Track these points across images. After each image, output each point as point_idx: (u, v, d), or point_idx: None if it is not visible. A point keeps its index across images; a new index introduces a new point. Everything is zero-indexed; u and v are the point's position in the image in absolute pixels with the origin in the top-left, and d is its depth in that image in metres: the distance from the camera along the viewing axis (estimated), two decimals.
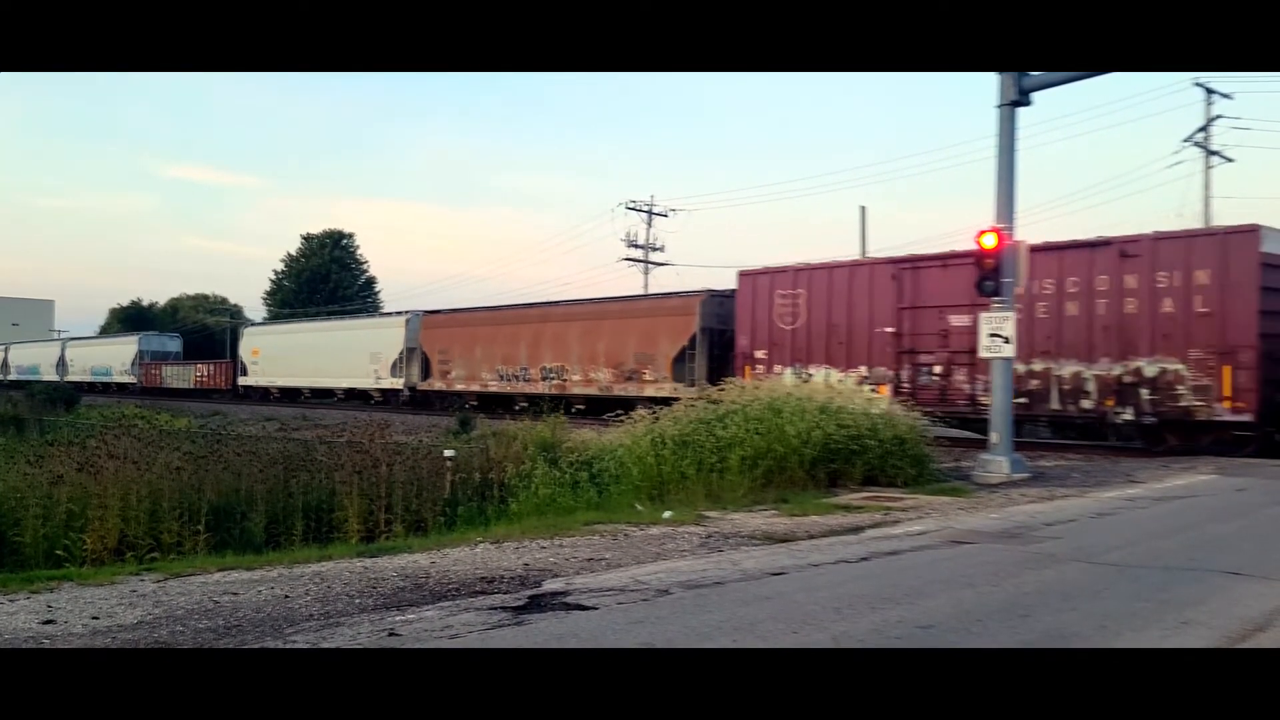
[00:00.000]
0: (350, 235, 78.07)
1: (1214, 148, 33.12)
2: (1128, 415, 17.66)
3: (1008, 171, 14.74)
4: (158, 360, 52.88)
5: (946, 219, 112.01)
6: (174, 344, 57.33)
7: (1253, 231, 17.25)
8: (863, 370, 22.06)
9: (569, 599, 6.22)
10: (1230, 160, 33.55)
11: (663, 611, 5.92)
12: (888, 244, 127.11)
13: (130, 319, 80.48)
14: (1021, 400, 18.34)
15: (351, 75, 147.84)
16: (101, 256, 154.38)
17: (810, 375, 21.75)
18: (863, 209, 42.40)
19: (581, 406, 27.50)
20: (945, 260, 21.28)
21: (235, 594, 6.40)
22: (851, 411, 13.98)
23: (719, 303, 26.04)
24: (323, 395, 39.03)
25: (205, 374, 47.82)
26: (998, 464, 14.44)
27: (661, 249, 48.07)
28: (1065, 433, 19.53)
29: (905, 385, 20.99)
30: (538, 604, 6.10)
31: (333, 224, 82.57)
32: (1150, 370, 18.13)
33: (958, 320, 20.35)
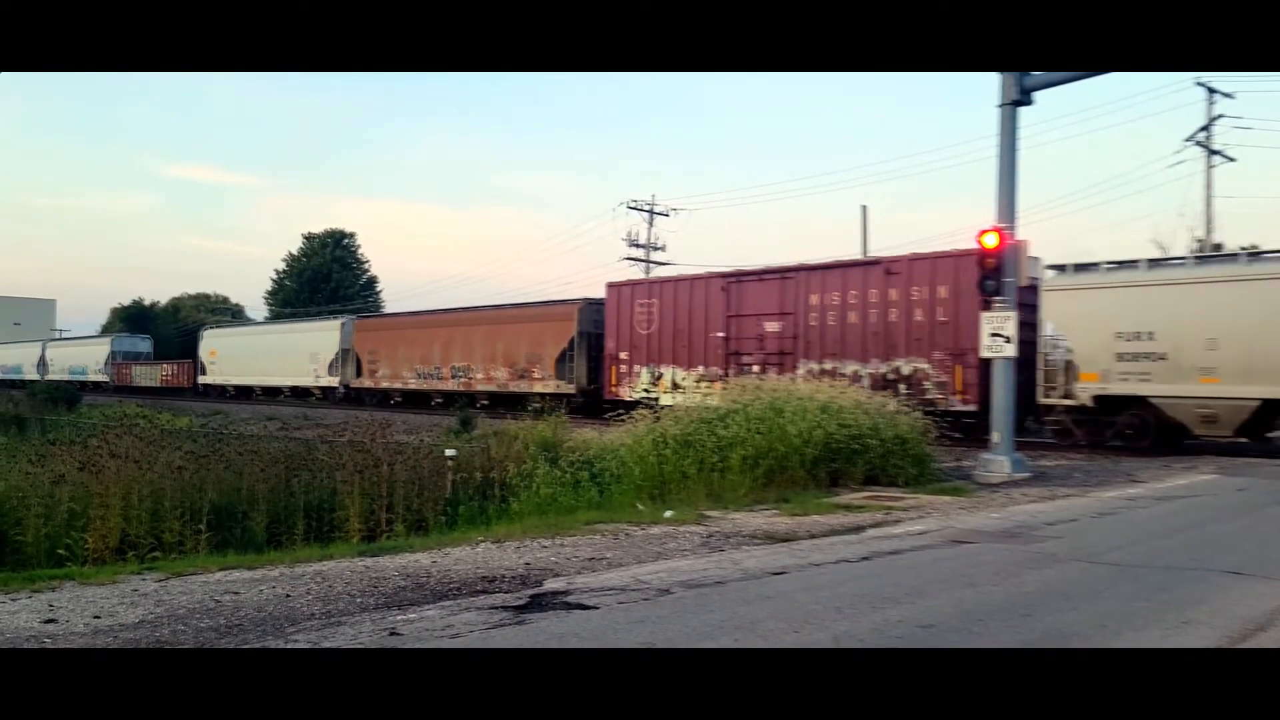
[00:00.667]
0: (351, 235, 78.12)
1: (1216, 147, 33.10)
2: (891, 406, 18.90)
3: (1009, 171, 14.74)
4: (128, 360, 55.48)
5: (948, 218, 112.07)
6: (144, 345, 59.83)
7: (971, 255, 18.51)
8: (700, 369, 25.35)
9: (570, 598, 6.23)
10: (1232, 160, 33.55)
11: (664, 611, 5.92)
12: (889, 243, 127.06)
13: (132, 318, 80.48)
14: None
15: (352, 75, 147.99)
16: (103, 256, 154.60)
17: (661, 374, 25.98)
18: (864, 208, 42.55)
19: (485, 402, 31.26)
20: (761, 275, 24.47)
21: (237, 593, 6.40)
22: (853, 411, 13.99)
23: (595, 310, 28.87)
24: (272, 392, 41.93)
25: (169, 373, 50.97)
26: (999, 464, 14.44)
27: (663, 248, 48.10)
28: None
29: (732, 380, 22.73)
30: (539, 603, 6.10)
31: (334, 224, 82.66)
32: (906, 369, 21.26)
33: (771, 326, 23.77)
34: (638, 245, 47.62)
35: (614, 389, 27.24)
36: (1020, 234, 14.74)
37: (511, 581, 6.84)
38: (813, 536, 9.02)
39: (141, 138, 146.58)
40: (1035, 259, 19.70)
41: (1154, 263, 19.12)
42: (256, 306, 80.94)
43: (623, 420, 15.51)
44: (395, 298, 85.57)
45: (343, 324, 39.64)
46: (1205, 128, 32.95)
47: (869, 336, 22.03)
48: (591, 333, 28.89)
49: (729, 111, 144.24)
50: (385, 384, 36.36)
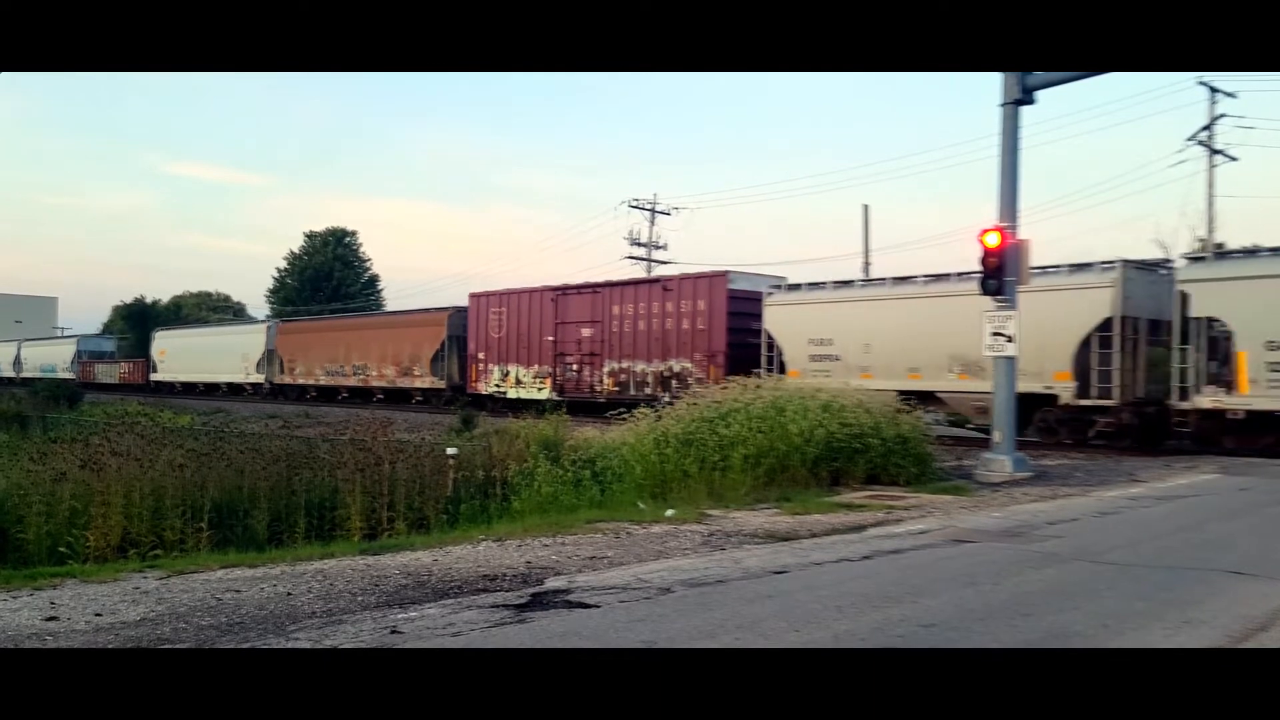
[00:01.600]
0: (353, 233, 78.09)
1: (1218, 146, 33.04)
2: (666, 398, 22.85)
3: (1011, 170, 14.73)
4: (93, 359, 59.81)
5: (951, 217, 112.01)
6: (108, 345, 64.79)
7: (725, 275, 25.81)
8: (536, 367, 30.29)
9: (571, 597, 6.23)
10: (1234, 159, 33.46)
11: (665, 610, 5.92)
12: (891, 242, 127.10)
13: (133, 316, 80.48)
14: (616, 389, 27.67)
15: (355, 74, 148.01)
16: (105, 254, 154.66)
17: (509, 371, 31.03)
18: (865, 207, 42.47)
19: (380, 396, 36.70)
20: (579, 289, 29.77)
21: (238, 591, 6.41)
22: (854, 410, 13.98)
23: (462, 316, 33.67)
24: (212, 388, 46.52)
25: (126, 371, 55.23)
26: (1000, 463, 14.43)
27: (664, 247, 48.14)
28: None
29: (558, 378, 29.41)
30: (540, 602, 6.10)
31: (336, 222, 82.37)
32: (676, 367, 26.34)
33: (586, 332, 28.75)
34: (639, 244, 47.65)
35: (474, 384, 32.28)
36: (1022, 233, 14.72)
37: (513, 580, 6.84)
38: (814, 535, 9.02)
39: (143, 135, 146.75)
40: (759, 276, 26.33)
41: (837, 284, 24.05)
42: (258, 305, 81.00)
43: (623, 419, 15.51)
44: (397, 296, 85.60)
45: (268, 328, 44.70)
46: (1207, 127, 32.91)
47: (652, 341, 26.99)
48: (459, 336, 33.66)
49: (731, 111, 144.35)
50: (301, 380, 41.08)
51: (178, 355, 50.16)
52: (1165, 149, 74.84)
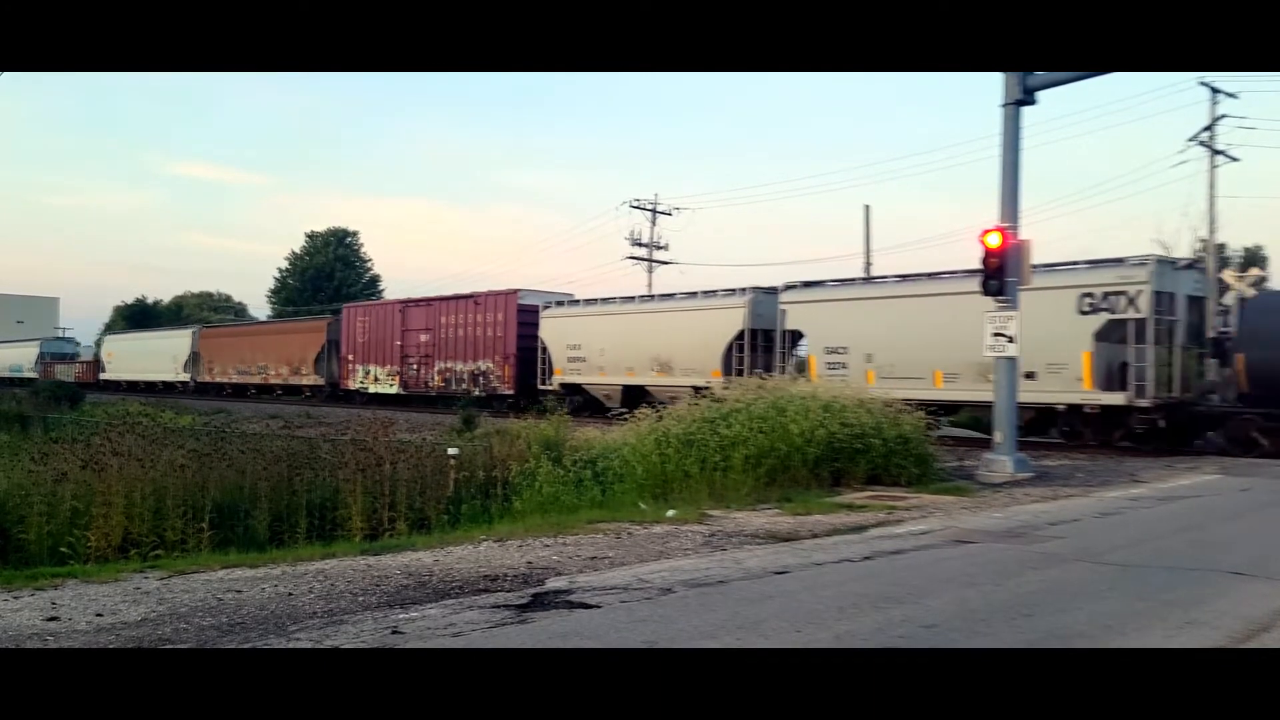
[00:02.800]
0: (354, 233, 78.13)
1: (1219, 147, 32.97)
2: (477, 392, 32.57)
3: (1012, 170, 14.72)
4: (54, 360, 64.36)
5: (952, 217, 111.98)
6: (70, 347, 69.01)
7: (515, 292, 32.62)
8: (389, 367, 37.03)
9: (572, 597, 6.23)
10: (1235, 160, 33.37)
11: (666, 610, 5.92)
12: (892, 242, 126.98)
13: (134, 316, 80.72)
14: (443, 384, 34.45)
15: (356, 75, 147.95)
16: (106, 254, 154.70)
17: (370, 370, 37.79)
18: (867, 208, 42.39)
19: (280, 391, 42.65)
20: (418, 302, 36.80)
21: (239, 591, 6.40)
22: (855, 410, 13.98)
23: (338, 324, 40.36)
24: (151, 386, 50.96)
25: (80, 370, 60.26)
26: (1001, 463, 14.42)
27: (665, 247, 48.16)
28: (473, 404, 31.07)
29: (404, 376, 36.27)
30: (541, 602, 6.10)
31: (337, 221, 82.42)
32: (483, 367, 33.10)
33: (424, 337, 35.44)
34: (640, 244, 47.63)
35: (345, 381, 39.04)
36: (1023, 233, 14.71)
37: (514, 580, 6.84)
38: (815, 536, 9.02)
39: (145, 135, 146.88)
40: (546, 292, 32.97)
41: (588, 301, 30.81)
42: (260, 305, 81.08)
43: (625, 419, 15.49)
44: (398, 295, 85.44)
45: (192, 333, 51.20)
46: (1209, 128, 32.84)
47: (467, 345, 33.69)
48: (336, 340, 40.10)
49: (733, 112, 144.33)
50: (219, 378, 47.19)
51: (121, 357, 56.22)
52: (1167, 149, 74.75)
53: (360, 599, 6.22)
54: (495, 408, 30.04)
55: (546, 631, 5.40)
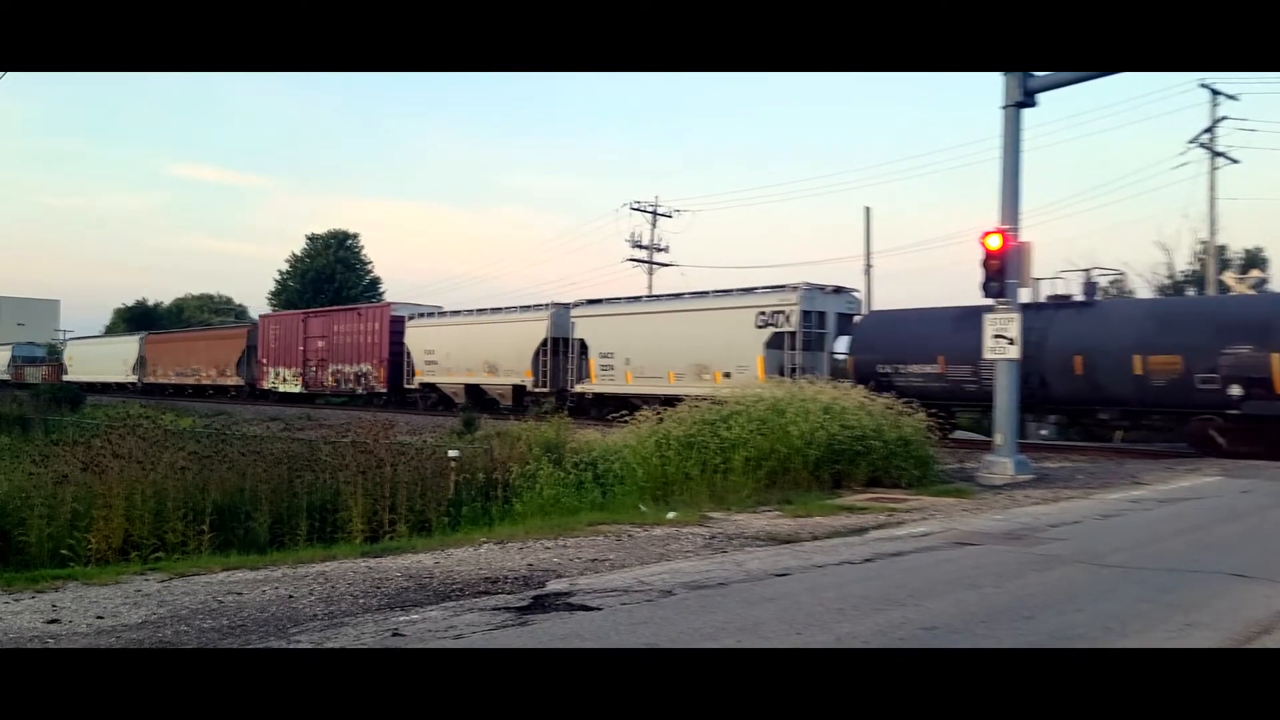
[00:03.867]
0: (355, 235, 78.02)
1: (1219, 149, 32.97)
2: (359, 390, 38.89)
3: (1013, 172, 14.73)
4: (25, 363, 68.78)
5: (953, 219, 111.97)
6: (39, 351, 73.41)
7: (388, 305, 40.02)
8: (294, 369, 42.40)
9: (573, 600, 6.22)
10: (1236, 161, 33.34)
11: (667, 612, 5.92)
12: (892, 244, 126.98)
13: (135, 318, 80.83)
14: (334, 384, 40.29)
15: (358, 76, 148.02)
16: (107, 256, 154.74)
17: (279, 372, 43.29)
18: (867, 210, 42.28)
19: (211, 391, 48.92)
20: (316, 313, 43.73)
21: (240, 594, 6.40)
22: (855, 412, 13.98)
23: (256, 331, 46.36)
24: (105, 386, 55.91)
25: (47, 373, 64.77)
26: (1002, 465, 14.42)
27: (665, 249, 48.16)
28: (353, 400, 39.59)
29: (305, 377, 41.71)
30: (542, 604, 6.10)
31: (339, 223, 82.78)
32: (364, 369, 38.66)
33: (320, 343, 41.00)
34: (641, 246, 47.62)
35: (260, 382, 44.62)
36: (1024, 236, 14.71)
37: (514, 582, 6.83)
38: (815, 538, 9.01)
39: (147, 137, 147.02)
40: (414, 305, 40.13)
41: (440, 314, 37.60)
42: (260, 307, 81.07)
43: (626, 422, 15.50)
44: (398, 298, 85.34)
45: (140, 339, 57.36)
46: (1209, 129, 32.84)
47: (353, 350, 39.37)
48: (254, 346, 45.66)
49: (733, 114, 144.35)
50: (161, 380, 52.78)
51: (80, 360, 63.01)
52: (1167, 151, 74.72)
53: (361, 601, 6.22)
54: (374, 403, 36.93)
55: (547, 634, 5.40)
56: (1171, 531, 9.66)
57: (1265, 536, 9.72)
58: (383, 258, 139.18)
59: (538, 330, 31.58)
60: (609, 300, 31.40)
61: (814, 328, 24.69)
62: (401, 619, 5.69)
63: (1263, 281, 30.55)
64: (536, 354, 31.33)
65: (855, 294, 27.20)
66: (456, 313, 37.07)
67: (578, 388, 29.96)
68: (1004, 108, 14.78)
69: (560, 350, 30.90)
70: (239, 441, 16.93)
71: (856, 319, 25.43)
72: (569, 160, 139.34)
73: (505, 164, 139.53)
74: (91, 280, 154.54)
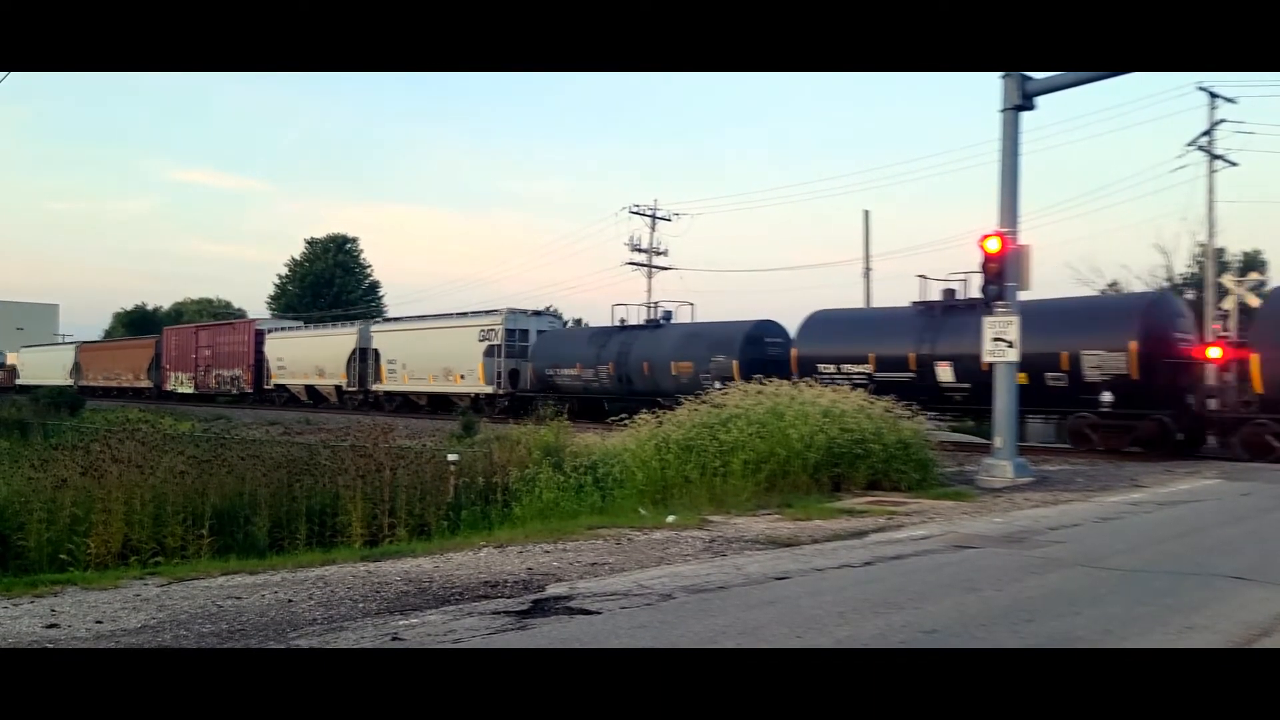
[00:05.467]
0: (354, 240, 78.29)
1: (1218, 152, 32.99)
2: (234, 390, 47.08)
3: (1011, 175, 14.75)
4: None
5: (953, 222, 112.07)
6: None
7: (254, 321, 49.95)
8: (189, 374, 50.43)
9: (572, 603, 6.22)
10: (1234, 164, 33.38)
11: (666, 616, 5.92)
12: (893, 247, 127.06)
13: (134, 323, 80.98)
14: (216, 385, 48.26)
15: (357, 80, 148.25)
16: (107, 260, 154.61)
17: (180, 377, 51.16)
18: (866, 213, 42.45)
19: (131, 392, 54.93)
20: (206, 326, 53.20)
21: (239, 598, 6.40)
22: (855, 415, 13.98)
23: (161, 342, 54.68)
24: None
25: (3, 378, 71.38)
26: (1002, 468, 14.42)
27: (665, 253, 48.18)
28: (229, 398, 47.86)
29: (196, 380, 49.51)
30: (541, 608, 6.10)
31: (337, 228, 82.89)
32: (237, 373, 47.15)
33: (208, 352, 49.43)
34: (640, 250, 47.64)
35: (165, 385, 52.26)
36: (1023, 238, 14.73)
37: (514, 586, 6.83)
38: (815, 541, 9.02)
39: (146, 142, 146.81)
40: (274, 320, 54.57)
41: (285, 328, 46.98)
42: (260, 311, 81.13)
43: (625, 425, 15.50)
44: (398, 301, 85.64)
45: (75, 347, 66.02)
46: (1207, 132, 32.87)
47: (230, 358, 47.90)
48: (161, 354, 53.95)
49: (733, 116, 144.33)
50: (92, 383, 59.22)
51: (27, 366, 69.97)
52: (1166, 154, 74.74)
53: (360, 606, 6.22)
54: (244, 402, 45.48)
55: (547, 637, 5.40)
56: (1171, 534, 9.66)
57: (1264, 539, 9.72)
58: (382, 261, 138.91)
59: (349, 342, 40.78)
60: (394, 319, 45.10)
61: (517, 341, 34.33)
62: (401, 623, 5.69)
63: (1261, 284, 30.53)
64: (349, 360, 40.48)
65: (554, 315, 39.01)
66: (298, 328, 49.26)
67: (374, 386, 39.47)
68: (1002, 111, 14.81)
69: (365, 358, 39.86)
70: (238, 446, 16.93)
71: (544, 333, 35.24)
72: (569, 163, 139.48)
73: (505, 167, 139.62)
74: (91, 284, 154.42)
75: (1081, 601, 6.34)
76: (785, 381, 15.77)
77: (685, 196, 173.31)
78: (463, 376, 34.97)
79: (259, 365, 45.91)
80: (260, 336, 46.54)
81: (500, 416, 30.74)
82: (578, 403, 29.75)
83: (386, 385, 38.65)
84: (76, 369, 61.69)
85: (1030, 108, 14.76)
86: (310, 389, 43.18)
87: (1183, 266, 39.50)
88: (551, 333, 35.31)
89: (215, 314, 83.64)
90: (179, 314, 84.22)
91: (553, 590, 6.68)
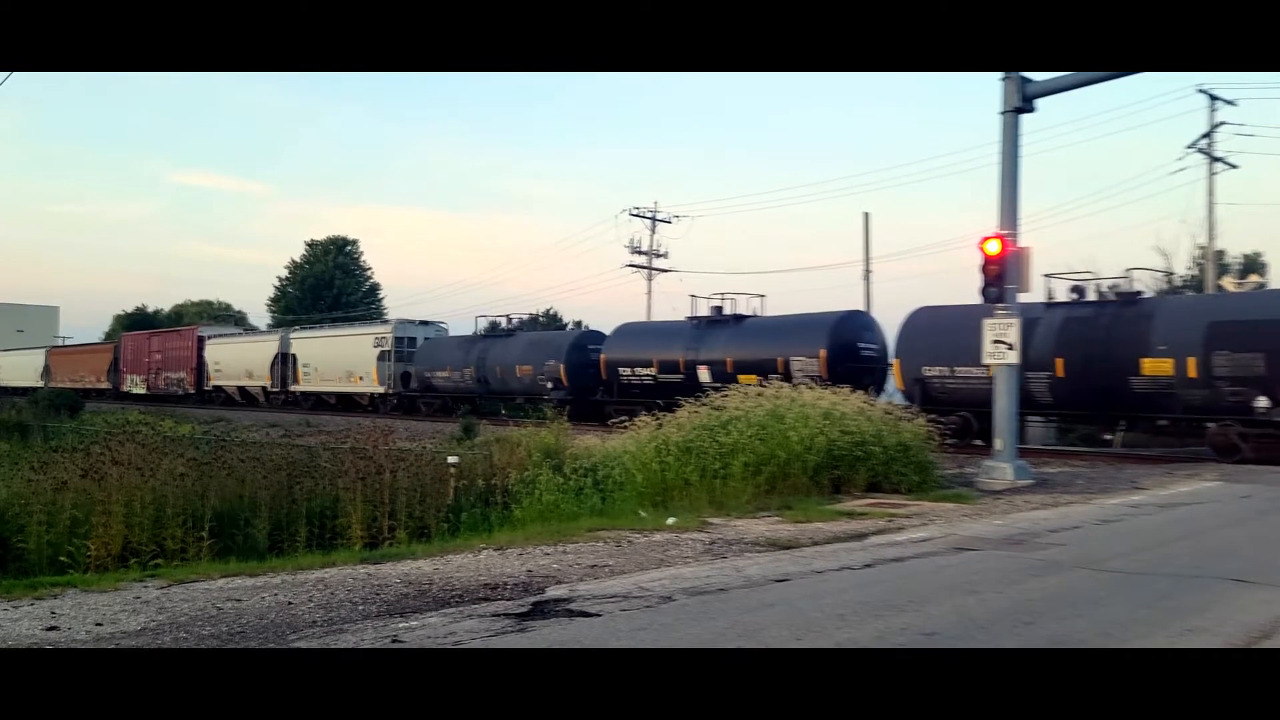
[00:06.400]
0: (354, 242, 78.19)
1: (1218, 154, 33.00)
2: (179, 391, 50.61)
3: (1011, 178, 14.75)
4: None
5: (953, 224, 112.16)
6: None
7: (195, 327, 54.93)
8: (142, 376, 54.41)
9: (572, 606, 6.22)
10: (1234, 167, 33.39)
11: (666, 618, 5.91)
12: (893, 249, 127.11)
13: (134, 325, 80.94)
14: (164, 386, 52.10)
15: (357, 81, 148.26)
16: (106, 262, 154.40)
17: (134, 379, 55.08)
18: (866, 215, 42.33)
19: (94, 393, 56.54)
20: (158, 332, 58.24)
21: (239, 600, 6.40)
22: (855, 418, 13.97)
23: (120, 347, 58.93)
24: (18, 390, 62.89)
25: None
26: (1002, 470, 14.42)
27: (665, 255, 48.17)
28: (175, 398, 51.18)
29: (148, 382, 53.61)
30: (541, 611, 6.09)
31: (337, 230, 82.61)
32: (181, 375, 51.20)
33: (158, 356, 53.34)
34: (640, 252, 47.62)
35: (121, 386, 55.97)
36: (1023, 240, 14.73)
37: (514, 589, 6.83)
38: (815, 543, 9.01)
39: (146, 144, 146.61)
40: (212, 326, 58.33)
41: (222, 335, 51.98)
42: (260, 313, 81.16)
43: (625, 427, 15.51)
44: (397, 304, 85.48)
45: (45, 350, 69.31)
46: (1207, 134, 32.88)
47: (176, 361, 51.83)
48: (118, 359, 58.08)
49: (733, 118, 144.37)
50: (58, 384, 60.23)
51: (4, 368, 71.67)
52: (1165, 157, 74.81)
53: (360, 608, 6.22)
54: (187, 402, 48.62)
55: (547, 640, 5.39)
56: (1171, 536, 9.66)
57: (1265, 541, 9.72)
58: (382, 264, 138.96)
59: (272, 348, 46.07)
60: (308, 327, 50.83)
61: (406, 348, 39.41)
62: (401, 626, 5.69)
63: (1262, 286, 30.53)
64: (272, 364, 45.35)
65: (442, 325, 42.44)
66: (232, 335, 54.70)
67: (293, 387, 44.41)
68: (1002, 113, 14.82)
69: (285, 362, 44.87)
70: (238, 448, 16.93)
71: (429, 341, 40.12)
72: (569, 165, 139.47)
73: (506, 170, 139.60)
74: (91, 286, 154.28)
75: (1082, 604, 6.34)
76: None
77: (686, 199, 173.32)
78: (361, 378, 40.64)
79: (200, 368, 50.41)
80: (201, 343, 51.18)
81: (391, 413, 36.46)
82: (451, 400, 36.62)
83: (303, 386, 44.04)
84: (46, 371, 65.76)
85: (1030, 110, 14.77)
86: (242, 389, 48.03)
87: (1183, 269, 39.47)
88: (431, 340, 40.13)
89: (215, 316, 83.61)
90: (179, 316, 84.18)
91: (553, 593, 6.67)
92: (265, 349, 46.62)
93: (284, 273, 77.97)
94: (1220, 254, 35.43)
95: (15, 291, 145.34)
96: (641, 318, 40.47)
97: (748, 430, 13.60)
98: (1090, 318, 20.15)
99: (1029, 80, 14.62)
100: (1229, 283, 30.42)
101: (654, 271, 47.47)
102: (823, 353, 24.24)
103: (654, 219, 47.86)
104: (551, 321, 58.45)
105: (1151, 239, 74.91)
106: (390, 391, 39.06)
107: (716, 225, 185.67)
